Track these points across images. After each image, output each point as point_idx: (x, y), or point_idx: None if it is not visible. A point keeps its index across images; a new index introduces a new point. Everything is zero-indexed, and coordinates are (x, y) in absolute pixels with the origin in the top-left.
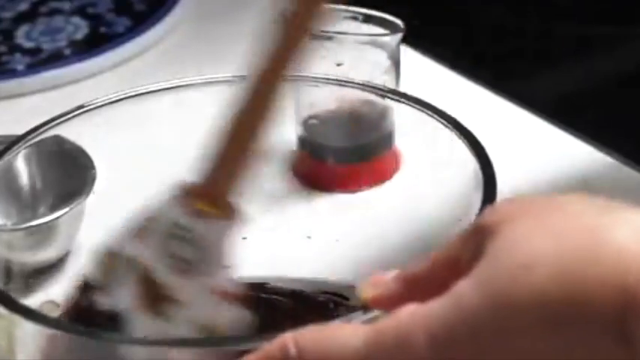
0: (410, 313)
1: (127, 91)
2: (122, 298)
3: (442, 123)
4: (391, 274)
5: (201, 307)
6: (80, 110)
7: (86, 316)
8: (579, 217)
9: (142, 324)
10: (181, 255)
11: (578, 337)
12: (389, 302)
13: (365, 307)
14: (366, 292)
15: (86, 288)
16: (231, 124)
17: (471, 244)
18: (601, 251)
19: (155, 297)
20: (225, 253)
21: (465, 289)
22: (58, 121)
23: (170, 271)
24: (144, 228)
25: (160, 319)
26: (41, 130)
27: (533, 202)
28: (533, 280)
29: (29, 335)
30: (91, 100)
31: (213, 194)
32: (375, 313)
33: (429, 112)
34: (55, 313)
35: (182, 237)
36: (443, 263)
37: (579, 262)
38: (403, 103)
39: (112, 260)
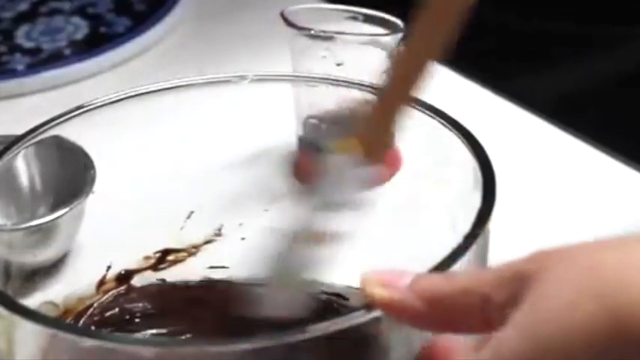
0: None
1: (127, 91)
2: None
3: (442, 123)
4: (405, 279)
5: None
6: (80, 110)
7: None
8: (617, 249)
9: None
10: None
11: None
12: (399, 311)
13: (368, 306)
14: (374, 289)
15: None
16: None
17: (508, 290)
18: None
19: None
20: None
21: (504, 339)
22: (58, 121)
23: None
24: None
25: None
26: (41, 130)
27: (568, 249)
28: (579, 317)
29: (29, 336)
30: (91, 100)
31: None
32: (378, 313)
33: (429, 112)
34: (54, 314)
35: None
36: (470, 294)
37: (622, 289)
38: None
39: None
